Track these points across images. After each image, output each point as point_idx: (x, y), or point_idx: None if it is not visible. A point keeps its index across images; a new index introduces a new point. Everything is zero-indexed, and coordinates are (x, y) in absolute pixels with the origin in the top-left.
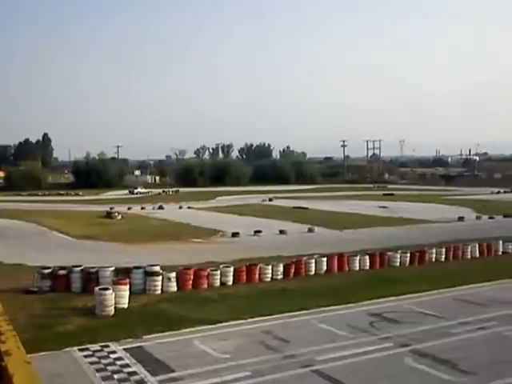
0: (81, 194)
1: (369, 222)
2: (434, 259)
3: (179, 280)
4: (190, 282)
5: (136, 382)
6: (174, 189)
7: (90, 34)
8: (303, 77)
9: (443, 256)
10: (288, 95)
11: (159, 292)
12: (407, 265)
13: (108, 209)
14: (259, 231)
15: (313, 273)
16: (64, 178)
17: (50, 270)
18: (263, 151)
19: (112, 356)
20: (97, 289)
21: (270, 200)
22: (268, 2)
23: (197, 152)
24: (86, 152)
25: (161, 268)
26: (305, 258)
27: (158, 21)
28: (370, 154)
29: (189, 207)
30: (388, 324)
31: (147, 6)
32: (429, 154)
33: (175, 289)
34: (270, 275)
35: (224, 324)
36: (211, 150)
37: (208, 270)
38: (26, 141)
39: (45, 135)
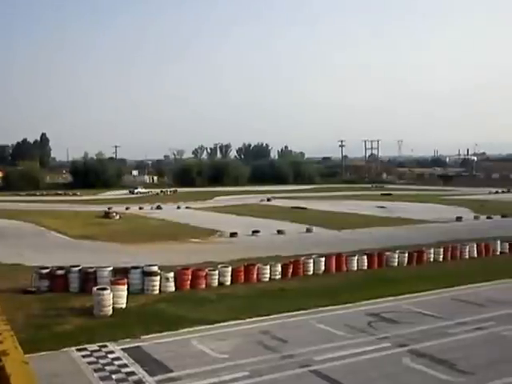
0: (79, 194)
1: (367, 222)
2: (432, 259)
3: (177, 280)
4: (188, 282)
5: (134, 382)
6: (172, 189)
7: (91, 34)
8: (301, 77)
9: (441, 256)
10: (286, 95)
11: (157, 292)
12: (405, 265)
13: (106, 209)
14: (257, 231)
15: (311, 273)
16: (62, 178)
17: (47, 270)
18: (261, 151)
19: (110, 356)
20: (95, 289)
21: (268, 200)
22: (266, 1)
23: (195, 152)
24: (84, 152)
25: (159, 268)
26: (303, 258)
27: (158, 21)
28: (368, 154)
29: (187, 207)
30: (386, 324)
31: (147, 7)
32: (427, 154)
33: (173, 289)
34: (268, 275)
35: (222, 324)
36: (209, 150)
37: (206, 270)
38: (24, 141)
39: (43, 135)
